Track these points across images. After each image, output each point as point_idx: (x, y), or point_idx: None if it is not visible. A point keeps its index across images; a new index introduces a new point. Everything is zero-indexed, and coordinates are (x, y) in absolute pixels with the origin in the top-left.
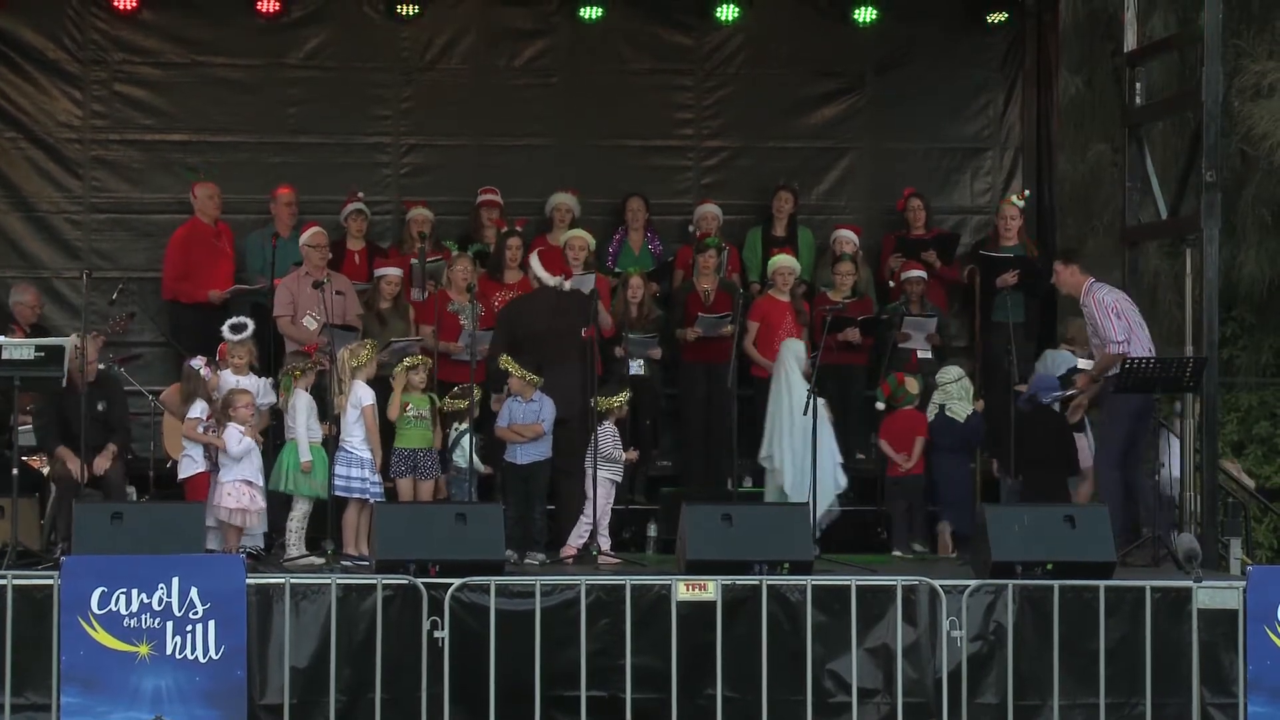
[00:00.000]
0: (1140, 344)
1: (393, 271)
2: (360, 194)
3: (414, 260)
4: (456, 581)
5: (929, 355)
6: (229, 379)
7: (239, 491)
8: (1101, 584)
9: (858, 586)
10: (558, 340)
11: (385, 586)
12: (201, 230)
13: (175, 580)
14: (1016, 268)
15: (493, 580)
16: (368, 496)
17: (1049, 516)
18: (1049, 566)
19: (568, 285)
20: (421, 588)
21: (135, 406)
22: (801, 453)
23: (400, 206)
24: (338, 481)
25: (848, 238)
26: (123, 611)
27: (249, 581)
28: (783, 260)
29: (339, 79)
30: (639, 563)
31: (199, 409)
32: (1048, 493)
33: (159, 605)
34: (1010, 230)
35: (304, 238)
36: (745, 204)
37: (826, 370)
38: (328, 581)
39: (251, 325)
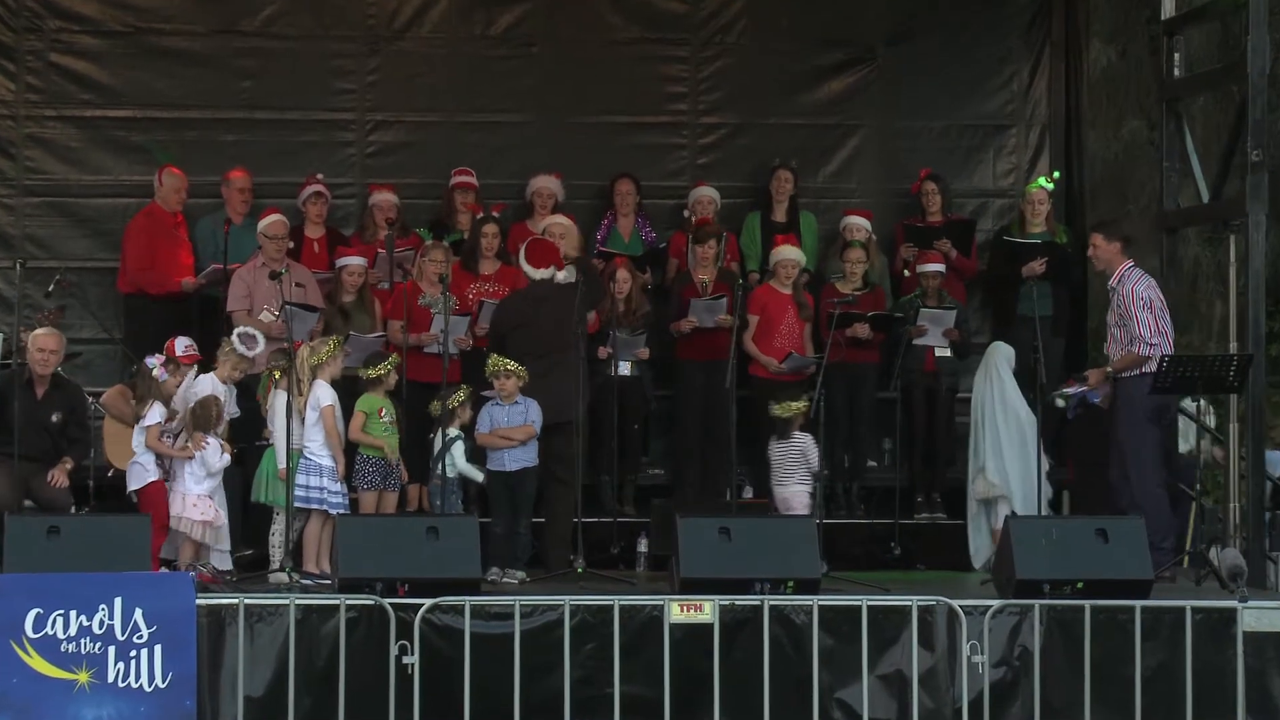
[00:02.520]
0: (1167, 350)
1: (355, 261)
2: (320, 176)
3: (380, 249)
4: (427, 602)
5: (947, 353)
6: (205, 384)
7: (205, 504)
8: (1138, 604)
9: (869, 607)
10: (552, 338)
11: (349, 608)
12: (161, 217)
13: (118, 601)
14: (1044, 255)
15: (467, 600)
16: (328, 508)
17: (1079, 529)
18: (1079, 585)
19: (561, 277)
20: (389, 609)
21: None
22: (1023, 467)
23: (365, 189)
24: (296, 491)
25: (859, 224)
26: (60, 635)
27: (199, 602)
28: (786, 251)
29: (297, 50)
30: (628, 581)
31: (157, 413)
32: (1097, 492)
33: (100, 628)
34: (1038, 215)
35: (262, 226)
36: (744, 186)
37: (834, 370)
38: (285, 602)
39: (263, 342)
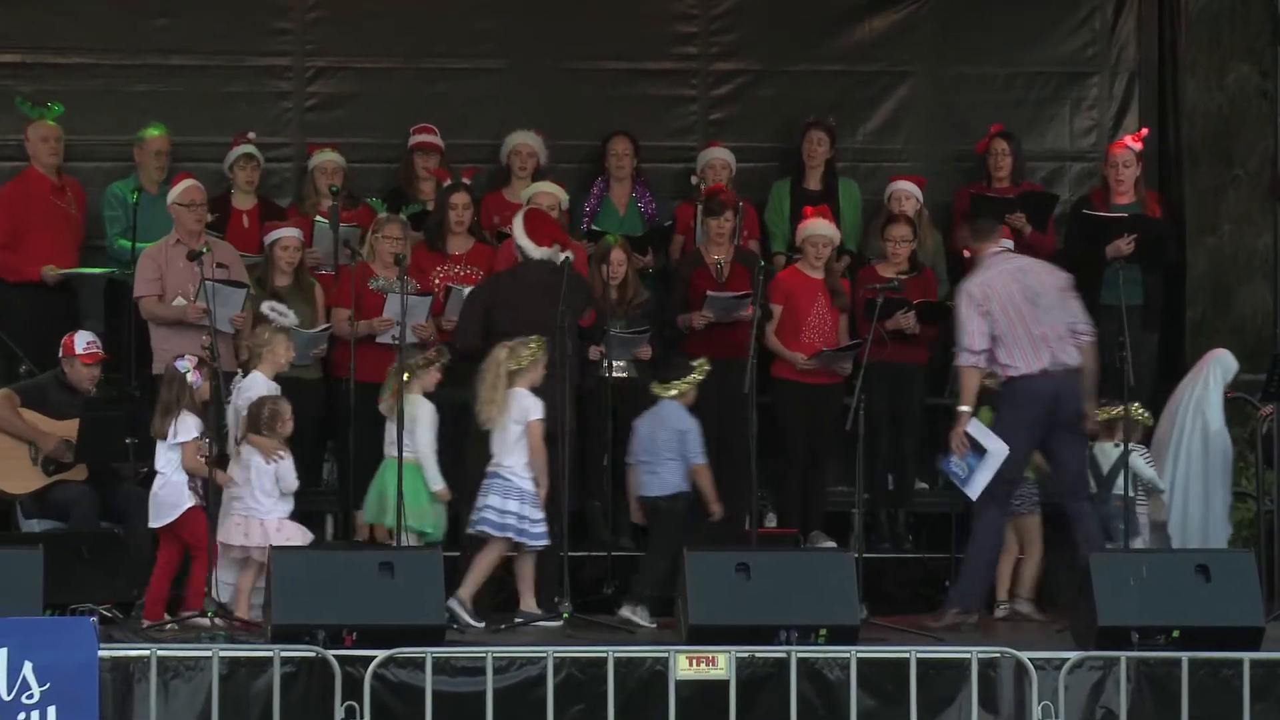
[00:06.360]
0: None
1: (290, 234)
2: (251, 135)
3: (320, 220)
4: (380, 654)
5: None
6: (260, 385)
7: (292, 529)
8: (1245, 656)
9: (919, 660)
10: (546, 331)
11: (284, 660)
12: (38, 185)
13: (3, 652)
14: (1132, 231)
15: (429, 651)
16: (525, 539)
17: (1175, 566)
18: (1175, 633)
19: (564, 257)
20: (333, 662)
21: None
22: (1198, 494)
23: (304, 150)
24: (488, 515)
25: (907, 192)
26: None
27: (102, 653)
28: (815, 226)
29: None
30: (625, 629)
31: (194, 426)
32: None
33: None
34: (1123, 181)
35: (173, 195)
36: (766, 148)
37: (875, 371)
38: (207, 654)
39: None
